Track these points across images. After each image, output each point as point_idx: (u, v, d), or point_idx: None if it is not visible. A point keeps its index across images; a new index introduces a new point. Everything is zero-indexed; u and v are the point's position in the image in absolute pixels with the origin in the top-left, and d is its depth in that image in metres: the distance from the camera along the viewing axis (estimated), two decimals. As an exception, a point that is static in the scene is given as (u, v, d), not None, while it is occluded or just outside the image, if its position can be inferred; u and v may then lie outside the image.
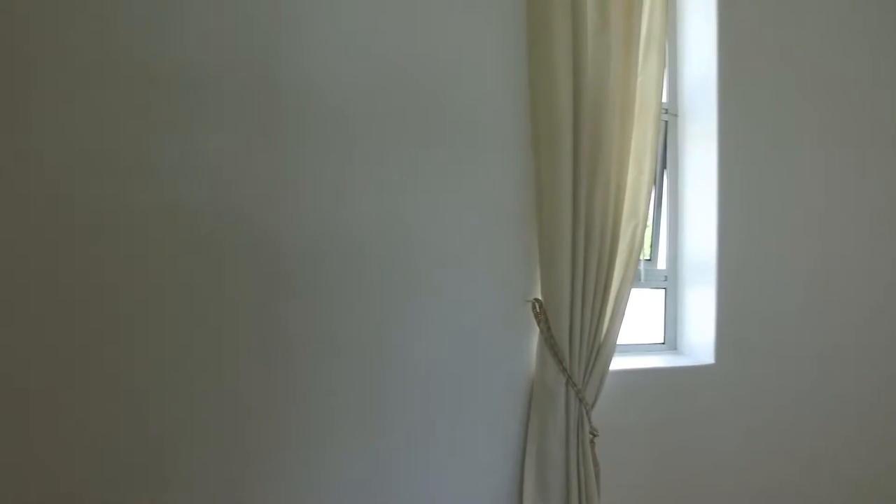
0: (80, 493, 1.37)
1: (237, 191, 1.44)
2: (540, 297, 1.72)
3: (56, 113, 1.33)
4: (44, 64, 1.31)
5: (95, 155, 1.35)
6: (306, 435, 1.53)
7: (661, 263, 2.23)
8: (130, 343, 1.38)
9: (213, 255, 1.43)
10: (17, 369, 1.32)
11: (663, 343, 2.20)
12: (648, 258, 2.23)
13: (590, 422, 1.77)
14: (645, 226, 1.87)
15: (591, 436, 1.77)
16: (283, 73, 1.47)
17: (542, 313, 1.71)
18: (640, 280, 2.12)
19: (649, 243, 2.24)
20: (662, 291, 2.22)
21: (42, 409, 1.34)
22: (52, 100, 1.32)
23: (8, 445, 1.33)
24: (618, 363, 1.89)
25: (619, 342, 1.82)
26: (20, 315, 1.32)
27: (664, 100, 2.06)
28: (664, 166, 2.21)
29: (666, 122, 2.17)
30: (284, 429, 1.51)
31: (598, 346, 1.78)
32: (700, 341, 2.07)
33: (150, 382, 1.40)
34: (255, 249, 1.46)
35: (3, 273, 1.30)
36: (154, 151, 1.38)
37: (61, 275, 1.34)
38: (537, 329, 1.73)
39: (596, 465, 1.78)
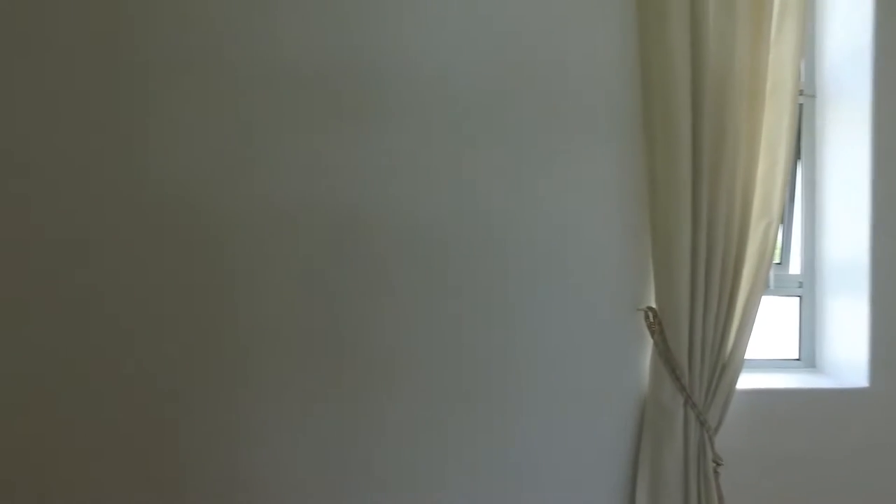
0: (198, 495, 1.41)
1: (350, 187, 1.43)
2: (653, 306, 1.53)
3: (172, 118, 1.38)
4: (158, 70, 1.37)
5: (212, 157, 1.39)
6: (402, 440, 1.48)
7: (794, 268, 1.94)
8: (248, 344, 1.42)
9: (324, 252, 1.43)
10: (158, 368, 1.40)
11: (798, 359, 1.91)
12: (779, 262, 1.95)
13: (713, 448, 1.55)
14: (779, 225, 1.62)
15: (714, 464, 1.55)
16: (391, 67, 1.44)
17: (656, 323, 1.52)
18: (769, 287, 1.86)
19: (779, 245, 1.96)
20: (796, 300, 1.93)
21: (152, 413, 1.40)
22: (167, 105, 1.38)
23: (124, 443, 1.39)
24: (745, 381, 1.65)
25: (746, 357, 1.59)
26: (154, 316, 1.39)
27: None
28: (798, 156, 1.92)
29: (800, 104, 1.88)
30: (380, 434, 1.47)
31: (723, 362, 1.55)
32: (848, 359, 1.76)
33: (264, 381, 1.43)
34: (363, 246, 1.45)
35: (133, 277, 1.38)
36: (267, 151, 1.41)
37: (180, 276, 1.39)
38: (650, 340, 1.54)
39: (720, 498, 1.55)
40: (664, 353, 1.51)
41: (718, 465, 1.56)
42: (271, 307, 1.42)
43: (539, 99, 1.50)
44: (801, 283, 1.91)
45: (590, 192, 1.53)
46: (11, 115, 1.35)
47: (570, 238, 1.53)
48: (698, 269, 1.50)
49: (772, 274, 1.87)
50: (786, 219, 1.93)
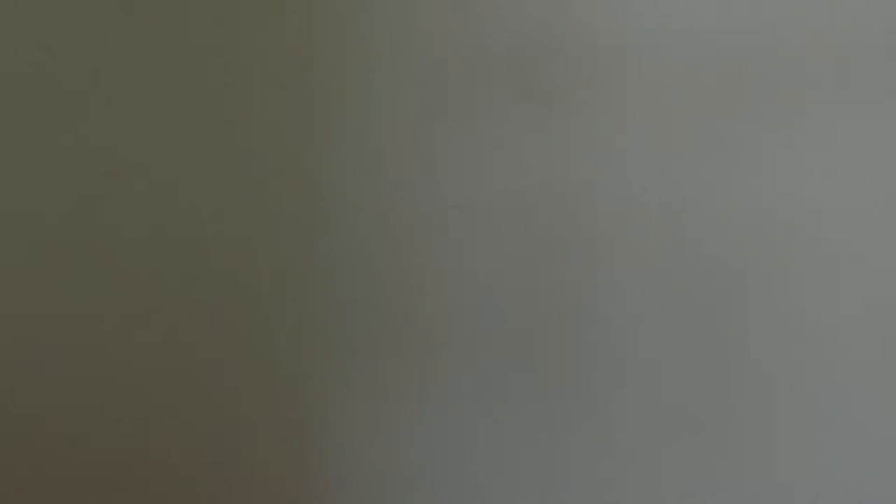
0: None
1: (565, 178, 1.29)
2: None
3: (390, 109, 1.35)
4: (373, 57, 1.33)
5: (403, 150, 1.34)
6: (626, 464, 1.29)
7: None
8: (441, 342, 1.36)
9: (532, 245, 1.34)
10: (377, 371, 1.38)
11: None
12: None
13: None
14: None
15: None
16: (587, 34, 1.27)
17: None
18: None
19: None
20: None
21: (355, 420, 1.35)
22: (365, 93, 1.34)
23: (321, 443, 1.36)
24: None
25: None
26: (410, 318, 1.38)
27: None
28: None
29: None
30: (595, 450, 1.30)
31: None
32: None
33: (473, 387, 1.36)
34: (579, 237, 1.32)
35: (381, 281, 1.36)
36: (463, 140, 1.33)
37: (408, 279, 1.37)
38: None
39: None
40: None
41: None
42: (477, 307, 1.37)
43: (810, 53, 1.19)
44: None
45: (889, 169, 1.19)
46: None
47: (855, 228, 1.21)
48: None
49: None
50: None
